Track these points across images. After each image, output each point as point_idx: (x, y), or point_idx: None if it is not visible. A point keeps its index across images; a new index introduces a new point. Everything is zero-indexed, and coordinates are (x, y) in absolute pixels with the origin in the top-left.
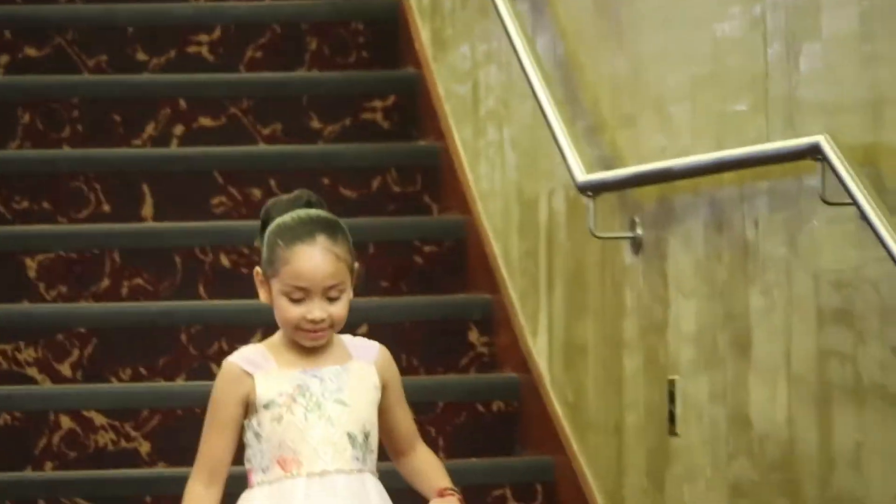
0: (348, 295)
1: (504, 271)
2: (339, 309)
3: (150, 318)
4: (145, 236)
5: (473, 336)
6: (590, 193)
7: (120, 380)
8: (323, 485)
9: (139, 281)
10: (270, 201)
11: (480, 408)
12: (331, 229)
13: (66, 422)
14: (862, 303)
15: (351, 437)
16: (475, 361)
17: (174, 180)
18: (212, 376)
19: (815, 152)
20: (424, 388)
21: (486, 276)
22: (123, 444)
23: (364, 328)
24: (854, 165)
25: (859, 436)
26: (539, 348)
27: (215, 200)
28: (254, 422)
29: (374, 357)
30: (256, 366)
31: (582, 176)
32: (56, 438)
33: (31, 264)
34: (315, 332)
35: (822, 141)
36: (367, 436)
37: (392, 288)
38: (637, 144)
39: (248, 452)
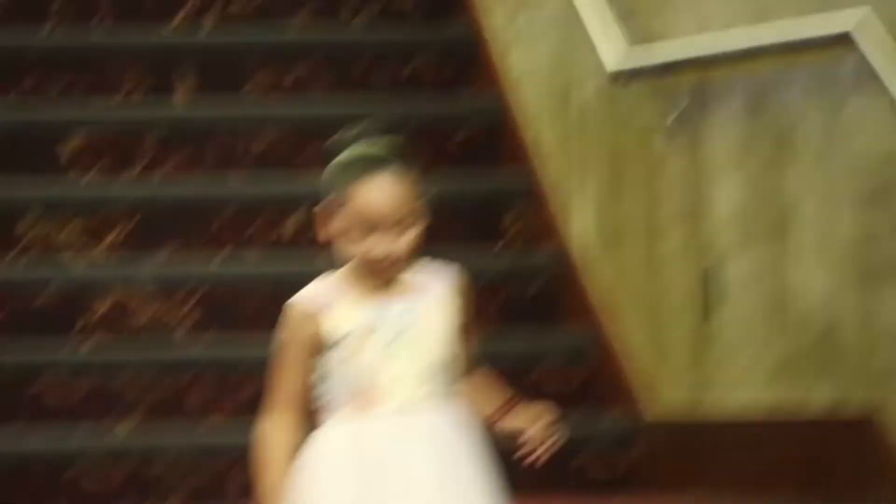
0: (418, 226)
1: (540, 156)
2: (411, 240)
3: (185, 201)
4: (179, 120)
5: (510, 218)
6: (624, 79)
7: (158, 259)
8: (401, 422)
9: (174, 164)
10: (336, 136)
11: (518, 289)
12: (399, 162)
13: (108, 299)
14: None
15: (427, 369)
16: (512, 243)
17: (207, 65)
18: (246, 258)
19: (846, 40)
20: (463, 270)
21: (523, 158)
22: (165, 319)
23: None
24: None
25: None
26: (576, 231)
27: (247, 86)
28: (327, 359)
29: (449, 283)
30: (325, 304)
31: (616, 63)
32: (98, 315)
33: (67, 146)
34: (387, 264)
35: (855, 29)
36: (444, 366)
37: (429, 172)
38: (671, 31)
39: (321, 390)
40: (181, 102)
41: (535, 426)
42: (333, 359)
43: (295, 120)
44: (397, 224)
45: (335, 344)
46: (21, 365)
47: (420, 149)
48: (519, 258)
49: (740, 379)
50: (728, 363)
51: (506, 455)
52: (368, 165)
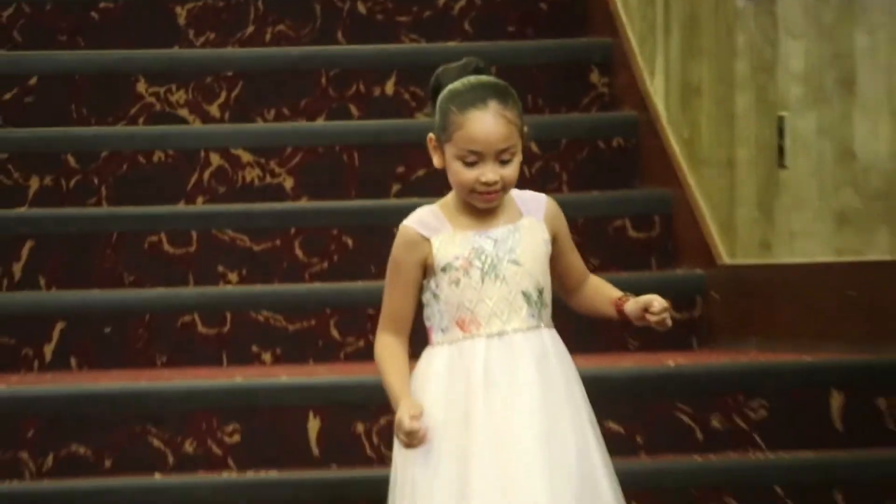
0: (519, 157)
1: (623, 16)
2: (511, 171)
3: (292, 62)
4: None
5: (594, 77)
6: None
7: (265, 120)
8: (502, 344)
9: (282, 27)
10: (440, 69)
11: (601, 144)
12: (501, 94)
13: (215, 159)
14: None
15: (526, 295)
16: (596, 101)
17: None
18: (349, 116)
19: None
20: (549, 126)
21: (606, 20)
22: (269, 179)
23: (493, 69)
24: None
25: None
26: (656, 88)
27: None
28: (432, 283)
29: (543, 211)
30: (433, 229)
31: None
32: (206, 174)
33: (181, 11)
34: (489, 193)
35: None
36: (541, 292)
37: (518, 32)
38: None
39: (427, 312)
40: None
41: (656, 301)
42: (439, 283)
43: None
44: (501, 154)
45: (441, 269)
46: (140, 217)
47: (511, 7)
48: (602, 116)
49: (808, 228)
50: (797, 213)
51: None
52: (478, 98)
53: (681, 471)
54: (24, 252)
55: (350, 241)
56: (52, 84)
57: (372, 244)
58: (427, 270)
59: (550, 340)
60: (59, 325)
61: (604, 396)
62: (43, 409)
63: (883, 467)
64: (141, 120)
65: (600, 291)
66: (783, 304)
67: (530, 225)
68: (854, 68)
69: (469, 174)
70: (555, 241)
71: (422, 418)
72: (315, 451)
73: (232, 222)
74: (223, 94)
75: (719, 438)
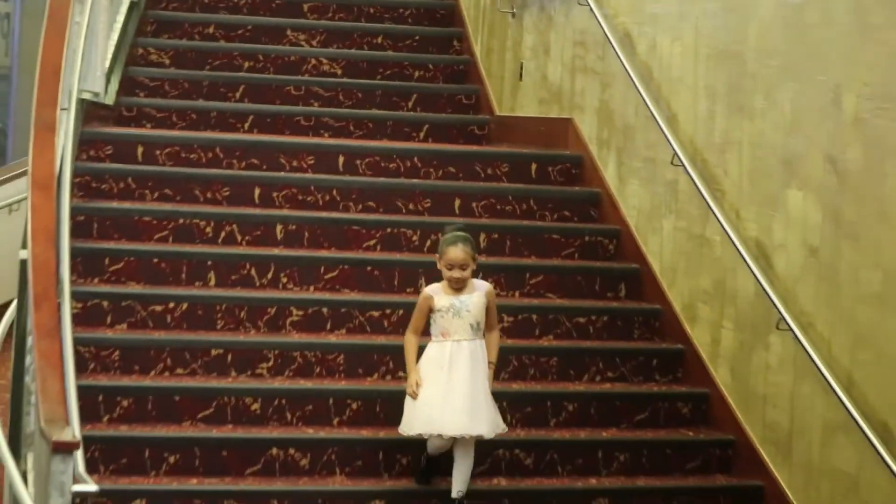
0: (472, 267)
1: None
2: (468, 273)
3: None
4: None
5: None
6: None
7: None
8: (458, 344)
9: None
10: (446, 229)
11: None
12: (464, 241)
13: None
14: None
15: (472, 325)
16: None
17: None
18: None
19: None
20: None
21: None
22: None
23: None
24: None
25: None
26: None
27: None
28: (434, 316)
29: (485, 290)
30: (436, 293)
31: None
32: None
33: None
34: (456, 283)
35: None
36: (479, 324)
37: None
38: None
39: (431, 328)
40: None
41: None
42: (435, 317)
43: None
44: (461, 266)
45: (437, 310)
46: None
47: None
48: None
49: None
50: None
51: None
52: (453, 241)
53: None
54: None
55: None
56: None
57: None
58: (431, 310)
59: (479, 345)
60: None
61: None
62: None
63: None
64: None
65: (489, 345)
66: None
67: (479, 295)
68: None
69: (449, 273)
70: (488, 305)
71: (418, 384)
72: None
73: None
74: None
75: None
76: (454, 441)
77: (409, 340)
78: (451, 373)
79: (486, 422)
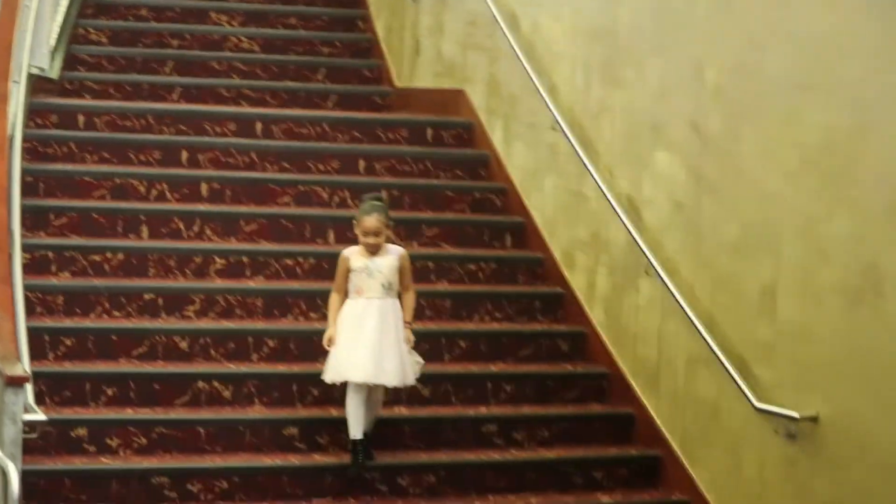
0: (386, 233)
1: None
2: (382, 239)
3: None
4: None
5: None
6: None
7: None
8: (369, 301)
9: None
10: (364, 196)
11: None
12: (378, 209)
13: None
14: None
15: (383, 285)
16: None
17: None
18: None
19: None
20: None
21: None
22: None
23: None
24: None
25: None
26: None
27: None
28: (351, 275)
29: (398, 255)
30: (352, 254)
31: None
32: None
33: None
34: (371, 247)
35: None
36: (391, 284)
37: None
38: None
39: (348, 286)
40: None
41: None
42: (352, 275)
43: None
44: (375, 233)
45: (353, 270)
46: None
47: None
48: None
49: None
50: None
51: None
52: (369, 211)
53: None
54: None
55: None
56: None
57: None
58: (349, 270)
59: (390, 304)
60: None
61: None
62: None
63: None
64: None
65: (405, 306)
66: None
67: (391, 258)
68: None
69: (364, 239)
70: (401, 268)
71: (332, 339)
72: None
73: None
74: None
75: None
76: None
77: (332, 299)
78: (362, 327)
79: (392, 373)
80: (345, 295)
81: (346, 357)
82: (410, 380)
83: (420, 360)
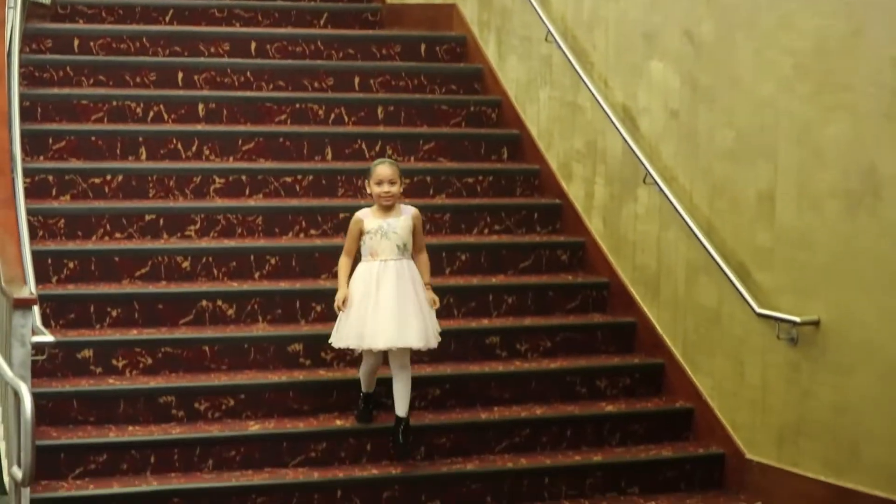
0: (400, 186)
1: None
2: (396, 189)
3: None
4: None
5: None
6: None
7: None
8: (385, 264)
9: None
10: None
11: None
12: (391, 164)
13: None
14: None
15: (399, 246)
16: None
17: None
18: None
19: None
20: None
21: None
22: None
23: None
24: None
25: None
26: None
27: None
28: (364, 238)
29: (412, 214)
30: (366, 216)
31: None
32: None
33: None
34: (385, 200)
35: None
36: (406, 245)
37: None
38: None
39: (361, 250)
40: None
41: (433, 304)
42: (365, 238)
43: None
44: (390, 181)
45: (366, 232)
46: None
47: None
48: None
49: None
50: None
51: None
52: (381, 161)
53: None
54: None
55: None
56: None
57: None
58: (362, 232)
59: (406, 264)
60: None
61: None
62: None
63: None
64: None
65: (421, 268)
66: None
67: (405, 218)
68: None
69: (378, 189)
70: (414, 228)
71: (343, 300)
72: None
73: None
74: None
75: None
76: (390, 360)
77: (342, 262)
78: (379, 290)
79: (414, 334)
80: (355, 259)
81: (367, 325)
82: (434, 342)
83: (437, 326)
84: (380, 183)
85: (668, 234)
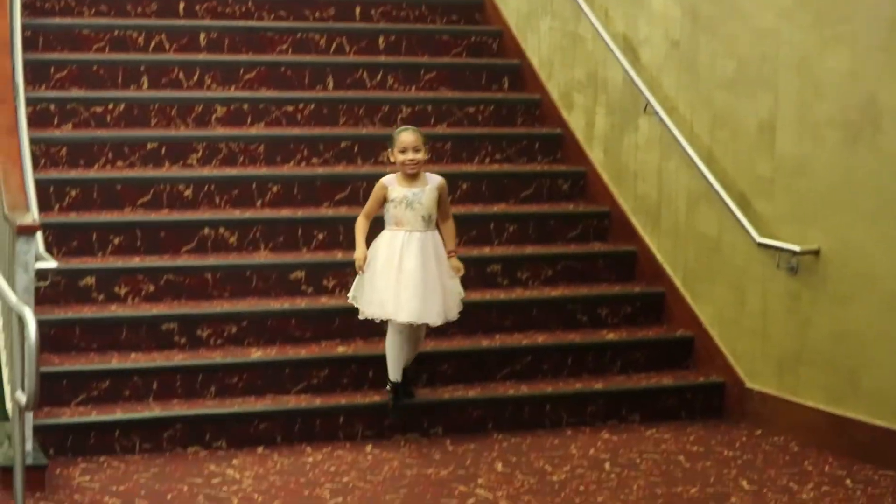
0: (424, 153)
1: None
2: (421, 156)
3: None
4: None
5: None
6: None
7: None
8: (410, 235)
9: None
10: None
11: None
12: (415, 130)
13: None
14: None
15: (423, 217)
16: None
17: None
18: None
19: None
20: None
21: None
22: None
23: None
24: None
25: None
26: None
27: None
28: (388, 205)
29: (437, 184)
30: (391, 183)
31: None
32: None
33: None
34: (410, 166)
35: None
36: (431, 216)
37: None
38: None
39: (385, 217)
40: None
41: (459, 270)
42: (389, 206)
43: None
44: (414, 148)
45: (391, 200)
46: None
47: None
48: None
49: None
50: None
51: None
52: (404, 129)
53: None
54: None
55: None
56: None
57: None
58: (385, 199)
59: (430, 237)
60: None
61: None
62: None
63: None
64: None
65: (446, 235)
66: None
67: (430, 188)
68: None
69: (402, 157)
70: (440, 198)
71: (363, 260)
72: None
73: None
74: None
75: None
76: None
77: (360, 223)
78: (403, 262)
79: (435, 311)
80: (371, 221)
81: (391, 297)
82: (453, 314)
83: (462, 291)
84: (404, 150)
85: (668, 163)
